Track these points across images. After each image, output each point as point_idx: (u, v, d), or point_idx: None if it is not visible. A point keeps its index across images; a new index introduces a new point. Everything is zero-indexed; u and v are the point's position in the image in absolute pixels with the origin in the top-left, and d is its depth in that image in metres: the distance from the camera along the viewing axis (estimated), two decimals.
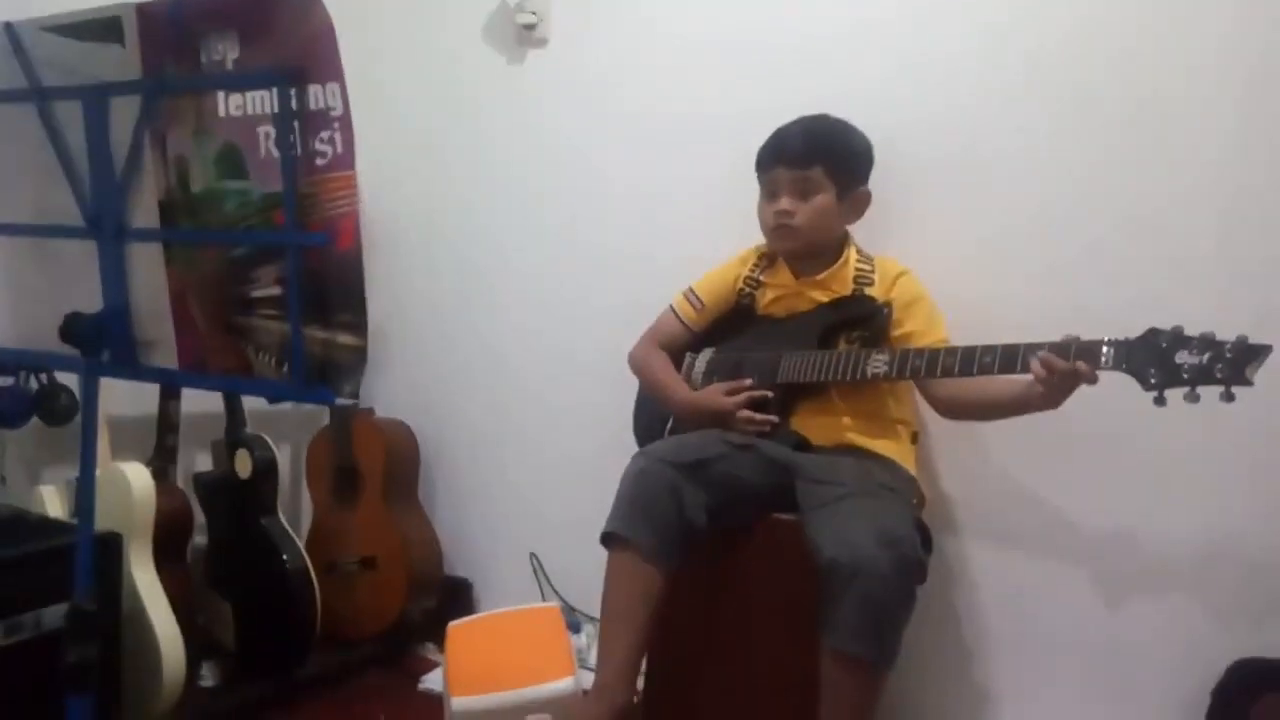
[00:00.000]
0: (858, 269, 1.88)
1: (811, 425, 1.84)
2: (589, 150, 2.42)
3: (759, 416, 1.82)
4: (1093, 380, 1.49)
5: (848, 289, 1.87)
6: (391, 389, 2.72)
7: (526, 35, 2.46)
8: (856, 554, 1.52)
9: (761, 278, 1.96)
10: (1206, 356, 1.39)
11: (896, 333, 1.82)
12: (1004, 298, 1.90)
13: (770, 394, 1.83)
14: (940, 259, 1.94)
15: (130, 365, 1.19)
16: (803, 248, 1.89)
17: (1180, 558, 1.79)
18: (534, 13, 2.41)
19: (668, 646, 1.85)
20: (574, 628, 2.24)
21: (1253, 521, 1.73)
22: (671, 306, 2.06)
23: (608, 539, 1.71)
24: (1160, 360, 1.43)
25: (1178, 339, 1.43)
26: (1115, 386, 1.47)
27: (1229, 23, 1.71)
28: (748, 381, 1.85)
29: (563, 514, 2.41)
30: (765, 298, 1.95)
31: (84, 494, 1.19)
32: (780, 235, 1.88)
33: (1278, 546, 1.72)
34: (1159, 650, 1.81)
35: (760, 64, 2.15)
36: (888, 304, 1.83)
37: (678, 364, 2.04)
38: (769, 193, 1.88)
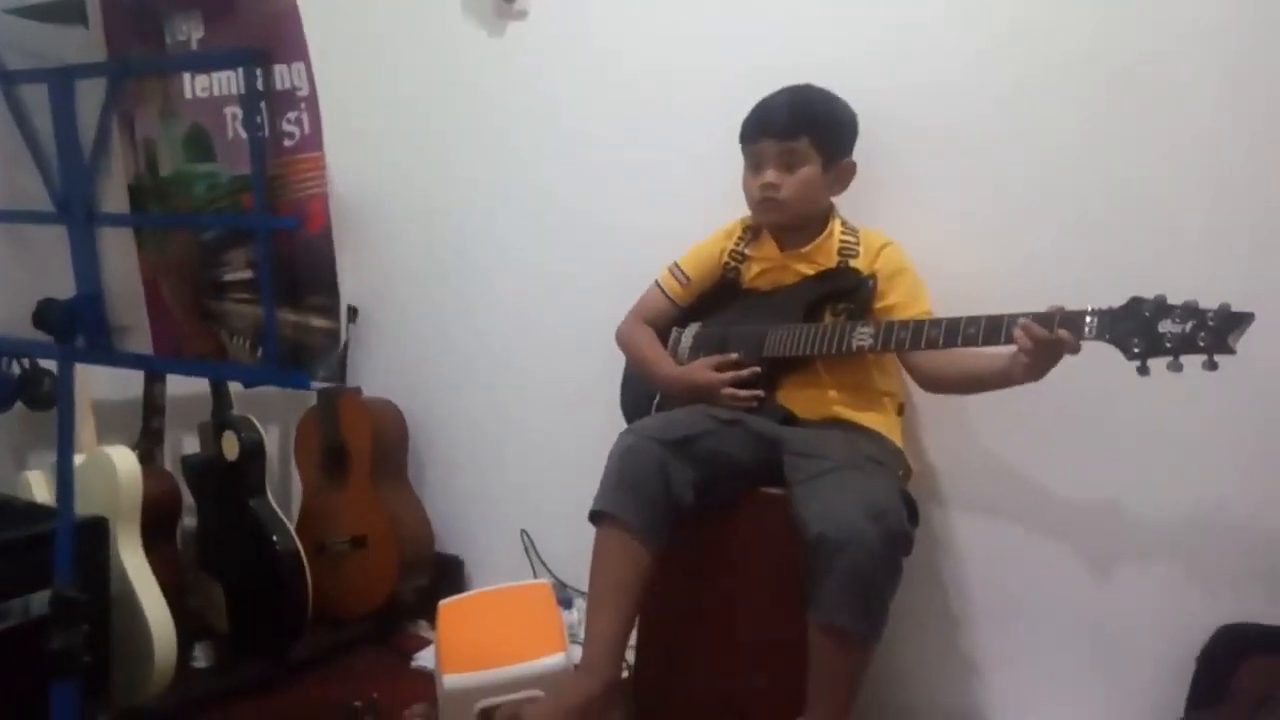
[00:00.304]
0: (842, 241, 1.87)
1: (798, 399, 1.84)
2: (573, 123, 2.40)
3: (744, 393, 1.81)
4: (1075, 349, 1.48)
5: (832, 261, 1.87)
6: (378, 368, 2.72)
7: (506, 8, 2.44)
8: (843, 528, 1.52)
9: (746, 251, 1.96)
10: (1189, 325, 1.39)
11: (880, 305, 1.82)
12: (992, 270, 1.89)
13: (757, 369, 1.83)
14: (928, 232, 1.94)
15: (105, 351, 1.18)
16: (789, 220, 1.88)
17: (1165, 525, 1.80)
18: None
19: (657, 621, 1.86)
20: (565, 604, 2.25)
21: (1237, 488, 1.74)
22: (657, 282, 2.05)
23: (596, 517, 1.71)
24: (1143, 329, 1.42)
25: (1160, 308, 1.42)
26: (1099, 358, 1.47)
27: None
28: (733, 356, 1.85)
29: (552, 491, 2.42)
30: (751, 271, 1.95)
31: (62, 480, 1.19)
32: (766, 208, 1.87)
33: (1262, 513, 1.72)
34: (1145, 617, 1.82)
35: (746, 33, 2.14)
36: (872, 276, 1.83)
37: (665, 339, 2.03)
38: (754, 165, 1.88)
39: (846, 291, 1.84)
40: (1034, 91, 1.86)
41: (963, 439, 1.96)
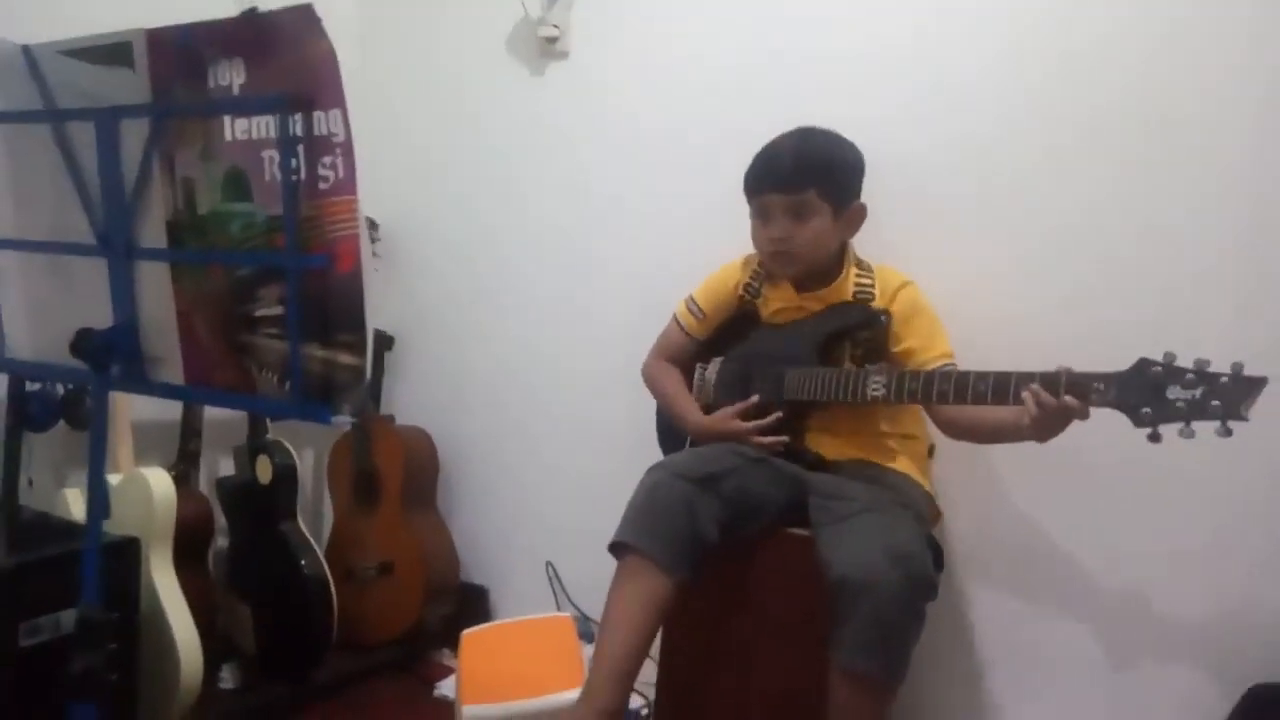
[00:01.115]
0: (858, 283, 1.86)
1: (824, 440, 1.84)
2: (610, 162, 2.44)
3: (769, 440, 1.81)
4: (1084, 416, 1.45)
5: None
6: (411, 396, 2.76)
7: (549, 48, 2.48)
8: (867, 572, 1.52)
9: (763, 290, 1.95)
10: (1200, 391, 1.34)
11: (897, 348, 1.81)
12: (1024, 317, 1.89)
13: (780, 415, 1.82)
14: (959, 278, 1.93)
15: (138, 380, 1.22)
16: (802, 271, 1.86)
17: (1194, 580, 1.77)
18: (555, 26, 2.44)
19: (677, 658, 1.86)
20: (587, 638, 2.25)
21: (1269, 543, 1.71)
22: (675, 318, 2.06)
23: (616, 548, 1.71)
24: (1152, 394, 1.38)
25: (1169, 371, 1.37)
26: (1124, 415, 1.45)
27: (1243, 39, 1.69)
28: (754, 399, 1.84)
29: (579, 524, 2.42)
30: (769, 307, 1.94)
31: (93, 503, 1.22)
32: (779, 261, 1.86)
33: None
34: (1173, 674, 1.79)
35: (778, 80, 2.16)
36: (885, 312, 1.81)
37: (689, 373, 2.04)
38: (761, 217, 1.85)
39: (859, 326, 1.82)
40: (1066, 140, 1.86)
41: (990, 488, 1.95)
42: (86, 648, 1.19)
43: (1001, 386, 1.53)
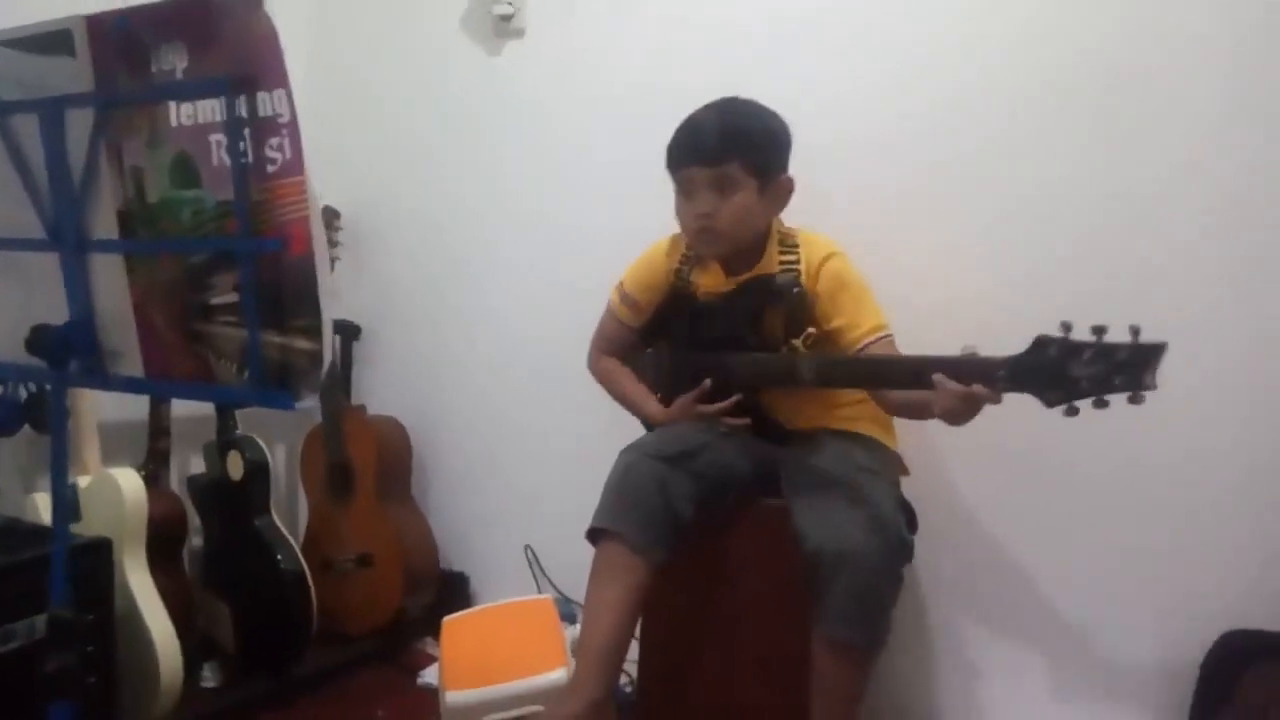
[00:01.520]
0: (782, 261, 1.80)
1: (787, 409, 1.84)
2: (571, 139, 2.43)
3: (736, 421, 1.80)
4: (995, 401, 1.41)
5: None
6: (382, 385, 2.74)
7: (504, 26, 2.47)
8: (841, 542, 1.53)
9: (691, 277, 1.89)
10: (1100, 367, 1.30)
11: (828, 326, 1.76)
12: (988, 294, 1.91)
13: (738, 397, 1.80)
14: (922, 255, 1.95)
15: (98, 375, 1.20)
16: (728, 249, 1.80)
17: (1166, 530, 1.79)
18: (510, 3, 2.42)
19: (659, 635, 1.87)
20: (568, 619, 2.25)
21: (1240, 492, 1.73)
22: (610, 308, 2.02)
23: (595, 534, 1.71)
24: (1054, 375, 1.33)
25: (1067, 349, 1.32)
26: None
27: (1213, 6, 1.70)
28: (708, 384, 1.81)
29: (556, 507, 2.41)
30: (700, 287, 1.89)
31: (57, 503, 1.20)
32: (704, 240, 1.79)
33: (1265, 517, 1.72)
34: (1146, 624, 1.82)
35: (740, 52, 2.16)
36: (797, 284, 1.76)
37: (633, 359, 2.03)
38: (685, 192, 1.78)
39: (774, 301, 1.78)
40: (1023, 115, 1.87)
41: (968, 444, 1.95)
42: (59, 648, 1.17)
43: (914, 373, 1.50)
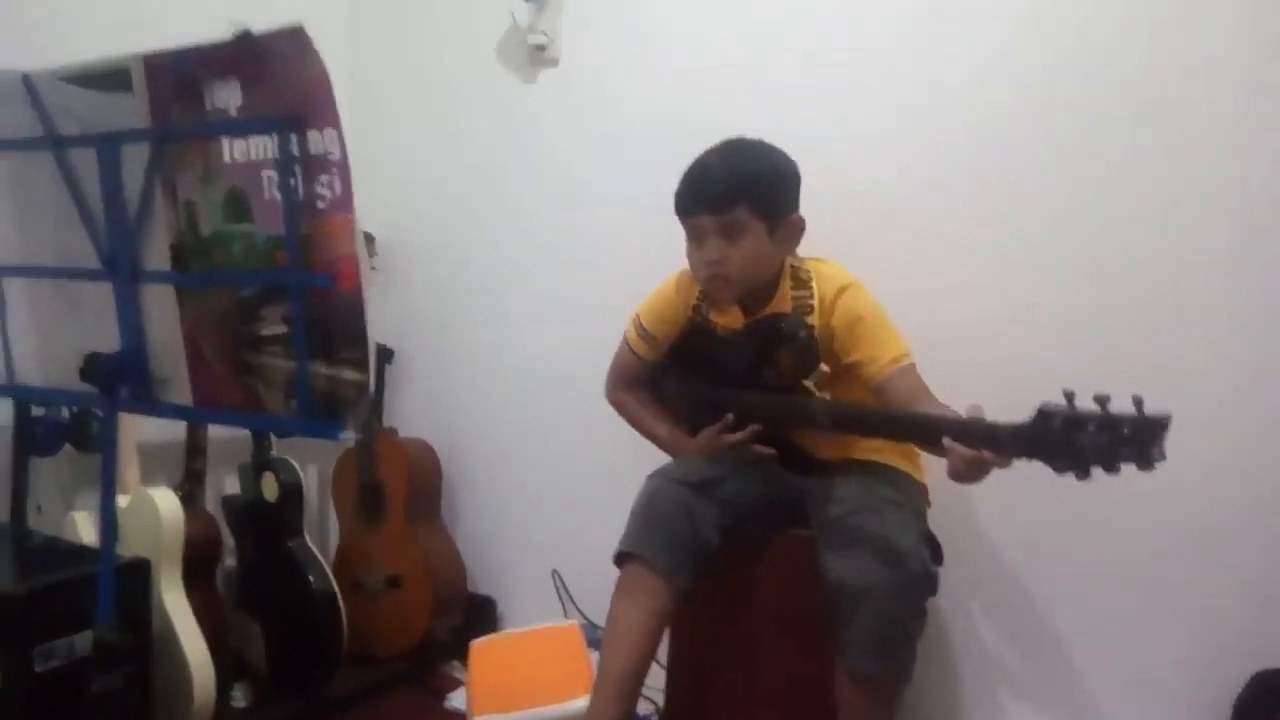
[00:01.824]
0: (794, 297, 1.79)
1: (814, 439, 1.83)
2: (601, 168, 2.45)
3: (760, 450, 1.81)
4: (1004, 466, 1.39)
5: None
6: (413, 409, 2.77)
7: (538, 56, 2.50)
8: (864, 574, 1.53)
9: (710, 316, 1.88)
10: (1106, 439, 1.26)
11: (847, 360, 1.75)
12: (1012, 320, 1.91)
13: (758, 428, 1.80)
14: (939, 288, 1.95)
15: (147, 402, 1.23)
16: (741, 294, 1.79)
17: (1198, 567, 1.78)
18: (544, 33, 2.45)
19: (685, 661, 1.87)
20: (595, 645, 2.25)
21: (1273, 530, 1.72)
22: (627, 342, 2.02)
23: (621, 558, 1.72)
24: (1061, 446, 1.30)
25: (1070, 421, 1.29)
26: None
27: (1228, 32, 1.71)
28: (730, 417, 1.81)
29: (583, 531, 2.44)
30: (719, 325, 1.89)
31: (105, 529, 1.23)
32: (716, 286, 1.77)
33: None
34: (1178, 662, 1.80)
35: (767, 83, 2.17)
36: (804, 326, 1.75)
37: (655, 386, 2.05)
38: (695, 238, 1.77)
39: (783, 340, 1.77)
40: (1045, 149, 1.87)
41: (994, 476, 1.96)
42: (104, 669, 1.20)
43: (925, 432, 1.49)
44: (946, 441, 1.40)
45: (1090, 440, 1.26)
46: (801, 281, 1.79)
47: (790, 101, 2.13)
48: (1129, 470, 1.25)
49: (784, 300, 1.79)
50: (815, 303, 1.77)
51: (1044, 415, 1.31)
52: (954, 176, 1.97)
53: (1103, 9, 1.80)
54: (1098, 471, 1.28)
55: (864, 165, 2.01)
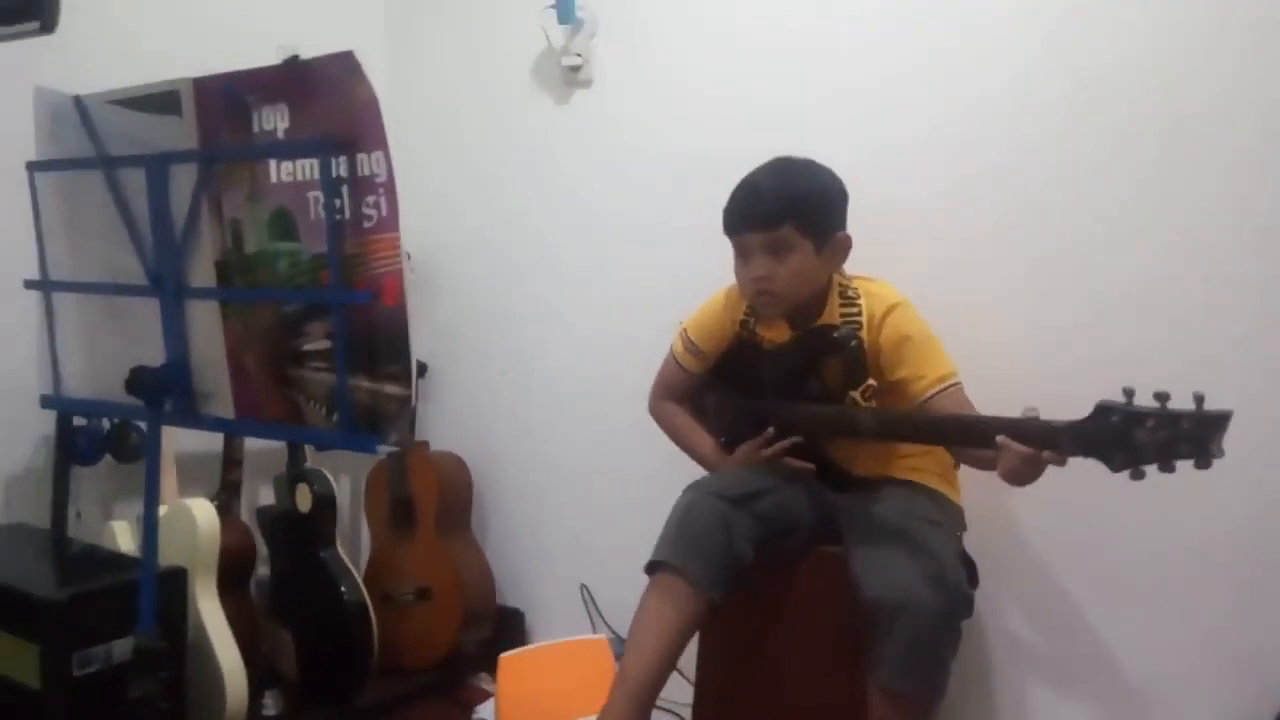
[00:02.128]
0: (843, 314, 1.80)
1: (851, 456, 1.84)
2: (636, 189, 2.46)
3: (799, 464, 1.82)
4: (1060, 464, 1.40)
5: None
6: (444, 422, 2.79)
7: (572, 76, 2.53)
8: (901, 591, 1.53)
9: (757, 329, 1.89)
10: (1165, 434, 1.28)
11: (893, 378, 1.75)
12: (1037, 339, 1.90)
13: (798, 439, 1.81)
14: (970, 303, 1.95)
15: (190, 415, 1.26)
16: (788, 311, 1.81)
17: (1226, 594, 1.76)
18: (579, 55, 2.48)
19: (713, 678, 1.87)
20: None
21: None
22: (674, 356, 2.03)
23: (654, 567, 1.71)
24: (1119, 442, 1.31)
25: (1130, 418, 1.30)
26: None
27: (1244, 54, 1.71)
28: (770, 431, 1.82)
29: (612, 546, 2.44)
30: (765, 340, 1.89)
31: (148, 539, 1.26)
32: (762, 302, 1.80)
33: None
34: (1215, 686, 1.77)
35: (800, 106, 2.18)
36: (854, 336, 1.76)
37: (696, 402, 2.05)
38: (742, 255, 1.80)
39: (830, 352, 1.78)
40: (1074, 165, 1.87)
41: (1017, 501, 1.95)
42: (142, 674, 1.23)
43: (976, 431, 1.50)
44: (1001, 440, 1.42)
45: (1148, 437, 1.27)
46: (849, 299, 1.81)
47: (825, 122, 2.14)
48: (1180, 473, 1.28)
49: (832, 315, 1.80)
50: (864, 319, 1.78)
51: (1102, 410, 1.32)
52: (987, 193, 1.97)
53: (1133, 26, 1.81)
54: (1152, 471, 1.29)
55: (899, 182, 2.01)
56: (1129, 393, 1.30)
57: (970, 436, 1.53)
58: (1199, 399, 1.26)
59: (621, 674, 1.67)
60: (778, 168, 1.78)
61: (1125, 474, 1.33)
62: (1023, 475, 1.43)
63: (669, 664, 1.67)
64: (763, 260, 1.74)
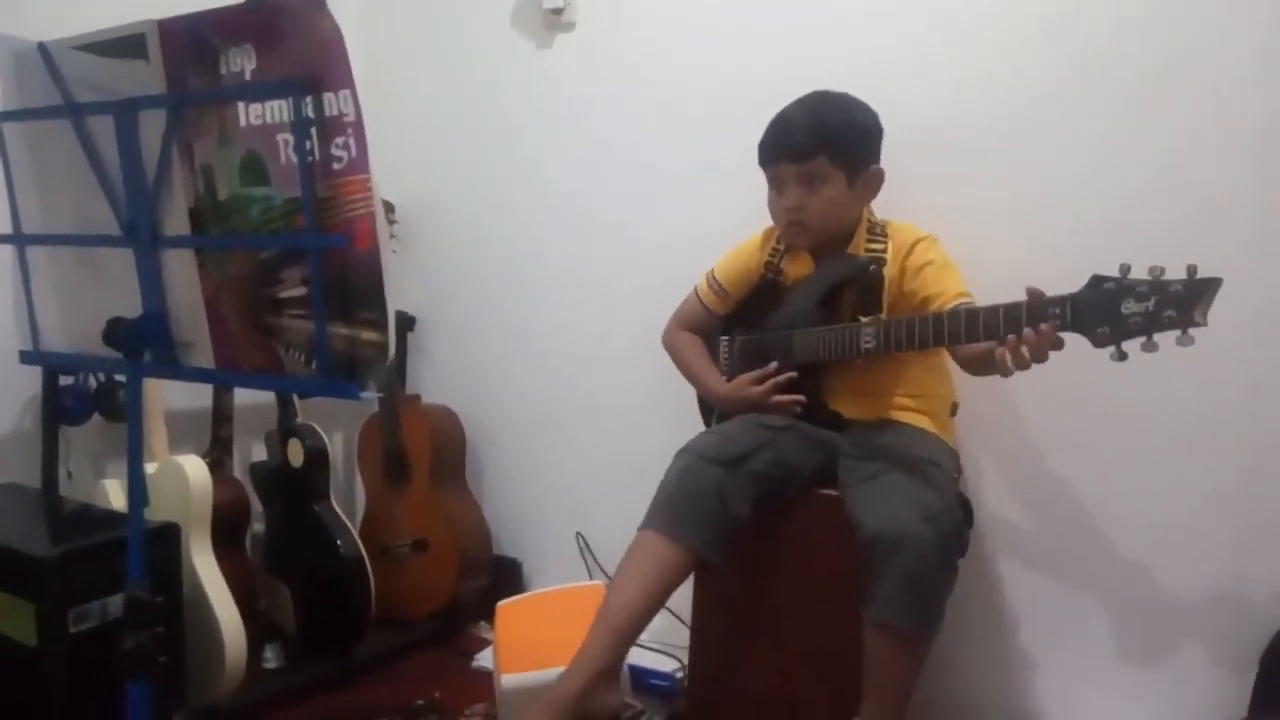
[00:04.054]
0: (868, 249, 1.83)
1: (846, 400, 1.85)
2: (619, 133, 2.44)
3: (787, 399, 1.82)
4: (1059, 344, 1.42)
5: None
6: (436, 375, 2.79)
7: (554, 20, 2.49)
8: (898, 529, 1.54)
9: (782, 264, 1.94)
10: (1153, 301, 1.31)
11: (915, 301, 1.78)
12: (1025, 258, 1.88)
13: (793, 374, 1.82)
14: (970, 223, 1.93)
15: (170, 366, 1.24)
16: (818, 241, 1.86)
17: (1227, 520, 1.77)
18: None
19: (711, 622, 1.89)
20: None
21: None
22: (697, 293, 2.06)
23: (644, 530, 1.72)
24: (1107, 313, 1.35)
25: (1123, 286, 1.35)
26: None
27: None
28: (773, 366, 1.84)
29: (607, 494, 2.46)
30: (789, 278, 1.94)
31: (133, 486, 1.25)
32: (793, 233, 1.85)
33: None
34: (1206, 615, 1.80)
35: (786, 36, 2.16)
36: (874, 261, 1.79)
37: (710, 342, 2.05)
38: (775, 187, 1.85)
39: (851, 279, 1.81)
40: (1070, 81, 1.86)
41: (1014, 434, 1.96)
42: (135, 626, 1.22)
43: (973, 323, 1.52)
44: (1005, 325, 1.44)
45: (1137, 305, 1.31)
46: (877, 235, 1.84)
47: (812, 50, 2.12)
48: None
49: (859, 249, 1.84)
50: (890, 254, 1.81)
51: (1098, 279, 1.37)
52: (965, 116, 1.96)
53: None
54: (1134, 350, 1.32)
55: (884, 101, 1.98)
56: (1125, 268, 1.35)
57: (969, 328, 1.53)
58: (1192, 270, 1.29)
59: (601, 617, 1.69)
60: (813, 100, 1.82)
61: (1108, 354, 1.36)
62: (1036, 355, 1.43)
63: (650, 611, 1.69)
64: (796, 191, 1.79)
